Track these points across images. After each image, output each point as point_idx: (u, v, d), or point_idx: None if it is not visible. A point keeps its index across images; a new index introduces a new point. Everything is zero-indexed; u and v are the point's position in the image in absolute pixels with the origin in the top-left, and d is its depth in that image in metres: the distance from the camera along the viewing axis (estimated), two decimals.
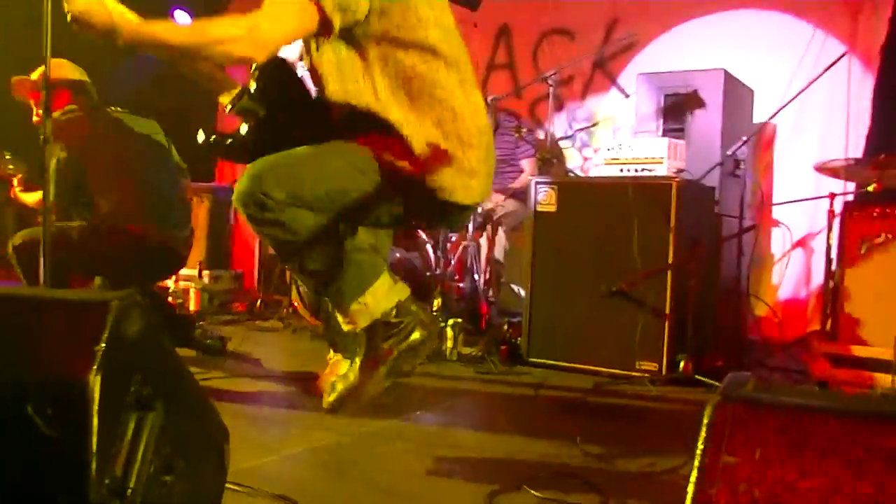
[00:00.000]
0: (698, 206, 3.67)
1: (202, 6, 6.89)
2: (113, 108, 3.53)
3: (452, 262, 4.69)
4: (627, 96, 5.35)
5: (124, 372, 1.21)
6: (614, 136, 5.45)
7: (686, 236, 3.42)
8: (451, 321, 3.75)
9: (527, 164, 4.93)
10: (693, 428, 1.01)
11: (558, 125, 5.61)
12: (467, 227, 4.50)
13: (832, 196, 3.56)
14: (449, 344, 3.73)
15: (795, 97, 3.63)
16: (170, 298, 4.61)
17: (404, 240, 4.90)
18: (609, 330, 3.47)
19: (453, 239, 4.77)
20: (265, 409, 2.78)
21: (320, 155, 2.06)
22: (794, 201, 4.39)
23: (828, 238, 3.53)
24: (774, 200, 4.90)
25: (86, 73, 3.49)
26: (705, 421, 0.98)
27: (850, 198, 4.05)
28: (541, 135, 5.03)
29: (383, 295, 2.09)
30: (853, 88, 4.72)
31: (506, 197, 4.78)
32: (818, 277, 4.59)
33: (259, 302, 5.19)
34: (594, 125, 5.69)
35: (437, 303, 4.13)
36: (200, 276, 5.31)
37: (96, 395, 1.13)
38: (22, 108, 3.38)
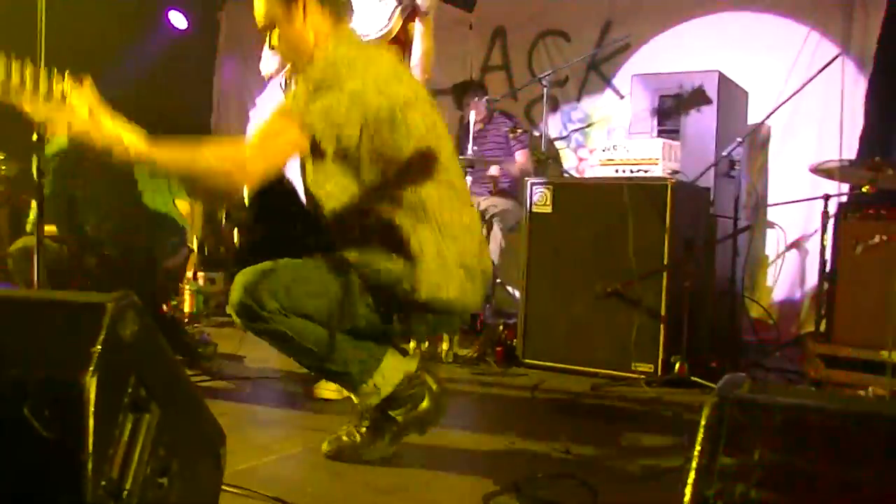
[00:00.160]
0: (693, 207, 3.67)
1: (197, 6, 6.92)
2: None
3: None
4: (622, 97, 5.37)
5: (120, 374, 1.20)
6: (609, 137, 5.44)
7: (681, 237, 3.43)
8: None
9: (521, 155, 4.91)
10: (689, 429, 1.01)
11: (553, 126, 5.61)
12: None
13: (826, 197, 3.57)
14: (445, 345, 3.73)
15: (790, 98, 3.64)
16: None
17: None
18: (604, 331, 3.47)
19: None
20: (261, 411, 2.78)
21: (308, 265, 2.06)
22: (789, 202, 4.40)
23: (822, 239, 3.55)
24: (769, 201, 4.91)
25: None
26: (703, 422, 0.99)
27: (845, 199, 4.06)
28: (536, 135, 5.03)
29: (391, 373, 2.10)
30: (847, 90, 4.73)
31: (497, 179, 4.74)
32: (813, 278, 4.59)
33: None
34: (589, 126, 5.69)
35: None
36: (195, 278, 5.30)
37: (92, 397, 1.12)
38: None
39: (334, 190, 2.06)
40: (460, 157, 3.71)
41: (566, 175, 4.86)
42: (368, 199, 2.05)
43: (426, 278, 2.03)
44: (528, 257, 3.72)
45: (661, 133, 4.19)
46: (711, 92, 4.10)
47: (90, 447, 1.12)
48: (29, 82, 1.71)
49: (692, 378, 3.23)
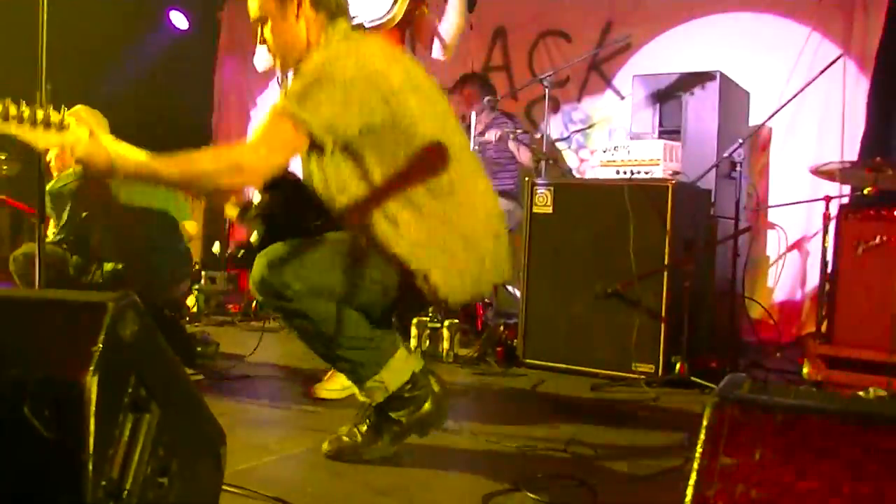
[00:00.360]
0: (694, 208, 3.67)
1: (198, 6, 6.92)
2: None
3: None
4: (623, 98, 5.37)
5: (121, 373, 1.20)
6: (610, 137, 5.45)
7: (682, 238, 3.43)
8: (447, 322, 3.75)
9: (523, 155, 4.90)
10: (689, 430, 1.01)
11: (554, 127, 5.61)
12: None
13: (828, 199, 3.57)
14: (445, 345, 3.74)
15: (791, 100, 3.63)
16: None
17: None
18: (605, 331, 3.47)
19: None
20: (261, 411, 2.77)
21: (326, 247, 2.08)
22: (790, 204, 4.40)
23: (823, 240, 3.55)
24: (770, 203, 4.91)
25: (100, 113, 3.51)
26: (704, 423, 0.98)
27: (846, 200, 4.06)
28: (537, 136, 5.02)
29: (399, 369, 2.11)
30: (848, 91, 4.73)
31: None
32: (813, 280, 4.60)
33: (254, 303, 5.18)
34: (590, 127, 5.69)
35: None
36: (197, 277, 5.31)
37: (93, 397, 1.13)
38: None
39: (337, 182, 2.07)
40: None
41: (567, 176, 4.84)
42: (372, 188, 2.05)
43: (434, 263, 2.03)
44: (528, 258, 3.72)
45: (662, 134, 4.18)
46: (713, 93, 4.10)
47: (90, 447, 1.12)
48: (27, 113, 1.72)
49: (692, 378, 3.23)
